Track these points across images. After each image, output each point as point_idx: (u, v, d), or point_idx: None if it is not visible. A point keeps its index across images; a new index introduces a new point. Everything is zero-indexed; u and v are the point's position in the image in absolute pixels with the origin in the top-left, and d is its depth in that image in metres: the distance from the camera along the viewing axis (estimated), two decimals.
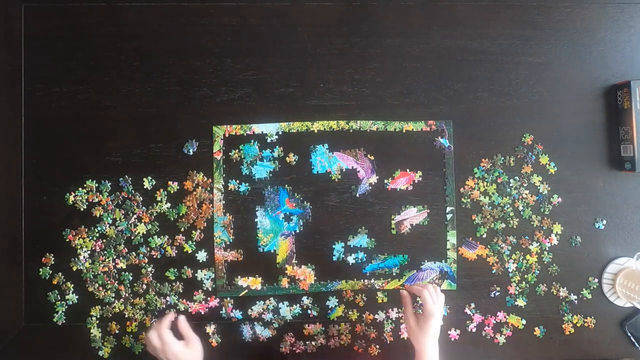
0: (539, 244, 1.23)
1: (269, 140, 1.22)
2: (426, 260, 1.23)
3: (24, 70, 1.20)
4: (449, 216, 1.23)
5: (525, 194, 1.23)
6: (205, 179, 1.21)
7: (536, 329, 1.23)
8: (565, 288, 1.24)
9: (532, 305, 1.24)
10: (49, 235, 1.20)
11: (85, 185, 1.21)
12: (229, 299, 1.21)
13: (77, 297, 1.20)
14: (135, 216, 1.21)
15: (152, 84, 1.22)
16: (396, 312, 1.23)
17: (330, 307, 1.22)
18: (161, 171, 1.21)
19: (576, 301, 1.24)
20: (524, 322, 1.24)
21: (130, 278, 1.21)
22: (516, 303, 1.23)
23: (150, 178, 1.21)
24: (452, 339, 1.23)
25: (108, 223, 1.21)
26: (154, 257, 1.21)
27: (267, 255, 1.22)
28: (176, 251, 1.21)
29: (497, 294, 1.24)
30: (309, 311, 1.23)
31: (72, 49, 1.21)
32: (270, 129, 1.22)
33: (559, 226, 1.23)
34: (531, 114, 1.24)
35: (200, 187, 1.21)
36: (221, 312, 1.21)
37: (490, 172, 1.23)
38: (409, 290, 1.14)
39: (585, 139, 1.25)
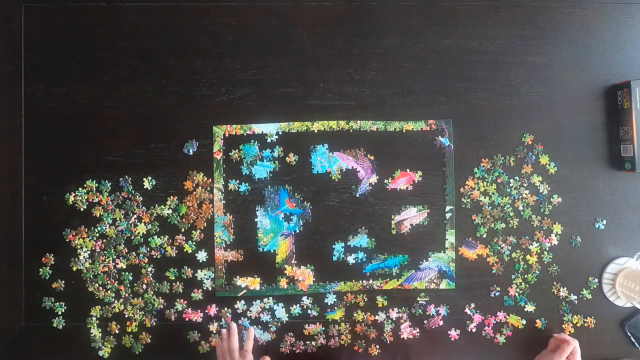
0: (539, 244, 1.23)
1: (269, 140, 1.22)
2: (424, 260, 1.23)
3: (24, 70, 1.20)
4: (447, 215, 1.23)
5: (525, 194, 1.23)
6: (205, 179, 1.21)
7: (537, 321, 1.23)
8: (565, 288, 1.24)
9: (532, 305, 1.24)
10: (49, 235, 1.20)
11: (85, 185, 1.21)
12: (226, 309, 1.21)
13: (63, 319, 1.20)
14: (135, 216, 1.21)
15: (152, 84, 1.22)
16: (396, 312, 1.23)
17: (329, 304, 1.22)
18: (161, 171, 1.21)
19: (576, 301, 1.24)
20: (524, 322, 1.24)
21: (130, 278, 1.21)
22: (516, 303, 1.23)
23: (150, 178, 1.21)
24: (452, 339, 1.23)
25: (108, 223, 1.21)
26: (154, 257, 1.21)
27: (266, 255, 1.22)
28: (176, 251, 1.21)
29: (497, 294, 1.24)
30: (309, 311, 1.23)
31: (72, 49, 1.21)
32: (270, 129, 1.22)
33: (559, 226, 1.23)
34: (531, 114, 1.24)
35: (200, 187, 1.21)
36: (221, 322, 1.21)
37: (491, 172, 1.23)
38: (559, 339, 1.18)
39: (585, 139, 1.25)
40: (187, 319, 1.21)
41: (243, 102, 1.22)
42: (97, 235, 1.20)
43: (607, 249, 1.24)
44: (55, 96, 1.21)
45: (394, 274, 1.23)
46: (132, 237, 1.21)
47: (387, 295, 1.23)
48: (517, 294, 1.24)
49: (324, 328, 1.23)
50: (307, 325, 1.23)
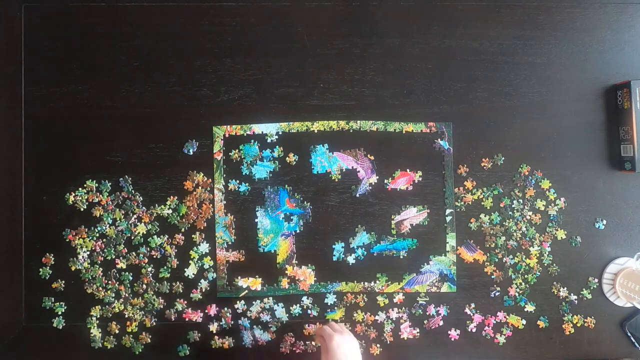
0: (539, 247, 1.23)
1: (269, 140, 1.22)
2: (425, 264, 1.23)
3: (24, 70, 1.20)
4: (448, 218, 1.23)
5: (530, 215, 1.23)
6: (206, 179, 1.21)
7: (539, 321, 1.23)
8: (565, 288, 1.24)
9: (532, 305, 1.24)
10: (49, 235, 1.20)
11: (85, 185, 1.21)
12: (226, 309, 1.21)
13: (63, 319, 1.20)
14: (135, 216, 1.21)
15: (152, 84, 1.22)
16: (396, 313, 1.23)
17: (329, 304, 1.22)
18: (161, 171, 1.21)
19: (576, 301, 1.24)
20: (524, 322, 1.24)
21: (130, 278, 1.21)
22: (516, 303, 1.23)
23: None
24: (452, 339, 1.23)
25: (108, 223, 1.21)
26: (154, 257, 1.21)
27: (267, 256, 1.22)
28: (176, 251, 1.21)
29: (497, 294, 1.24)
30: (309, 311, 1.23)
31: (72, 48, 1.21)
32: (270, 129, 1.22)
33: (562, 231, 1.23)
34: (531, 114, 1.24)
35: (200, 187, 1.21)
36: (221, 322, 1.21)
37: (490, 189, 1.23)
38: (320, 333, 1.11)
39: (585, 139, 1.25)
40: (187, 319, 1.21)
41: (243, 102, 1.22)
42: (97, 235, 1.20)
43: (607, 249, 1.24)
44: (55, 96, 1.21)
45: (396, 276, 1.23)
46: (132, 237, 1.21)
47: (387, 295, 1.23)
48: (517, 294, 1.24)
49: None
50: (307, 325, 1.23)
